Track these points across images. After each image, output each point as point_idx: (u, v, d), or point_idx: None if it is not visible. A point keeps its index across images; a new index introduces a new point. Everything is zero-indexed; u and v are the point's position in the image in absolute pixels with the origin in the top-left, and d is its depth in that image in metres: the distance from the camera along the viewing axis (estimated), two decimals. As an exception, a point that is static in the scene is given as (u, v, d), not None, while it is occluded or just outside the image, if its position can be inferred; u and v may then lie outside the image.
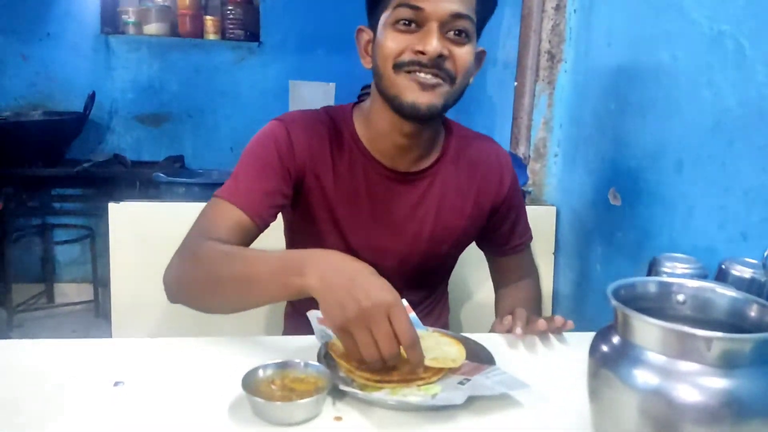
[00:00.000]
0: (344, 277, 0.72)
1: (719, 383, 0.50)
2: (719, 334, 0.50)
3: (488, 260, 1.23)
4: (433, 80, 0.91)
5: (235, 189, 0.96)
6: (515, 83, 1.72)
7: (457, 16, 0.89)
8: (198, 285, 0.88)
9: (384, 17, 0.92)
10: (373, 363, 0.71)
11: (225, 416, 0.69)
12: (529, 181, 1.68)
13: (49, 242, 3.13)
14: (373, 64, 0.96)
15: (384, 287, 0.71)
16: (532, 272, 1.24)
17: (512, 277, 1.21)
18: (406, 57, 0.90)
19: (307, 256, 0.76)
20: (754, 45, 0.94)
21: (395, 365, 0.75)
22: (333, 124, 1.04)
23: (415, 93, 0.91)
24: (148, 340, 0.89)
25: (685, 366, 0.51)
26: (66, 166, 2.88)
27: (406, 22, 0.90)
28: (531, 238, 1.21)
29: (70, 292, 3.17)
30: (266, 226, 0.98)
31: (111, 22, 3.15)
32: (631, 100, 1.28)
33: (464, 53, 0.92)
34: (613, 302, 0.56)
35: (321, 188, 1.02)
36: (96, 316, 3.05)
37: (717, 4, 1.02)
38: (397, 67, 0.91)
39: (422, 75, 0.90)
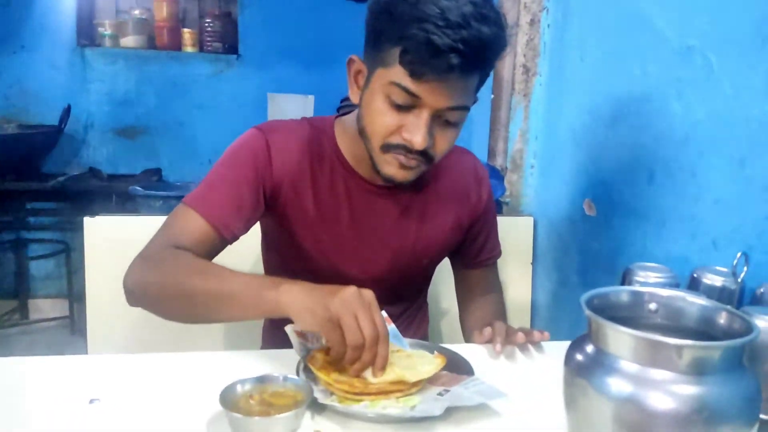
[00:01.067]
0: (318, 291, 0.76)
1: (690, 390, 0.51)
2: (689, 342, 0.51)
3: (455, 273, 1.23)
4: (413, 163, 0.91)
5: (205, 199, 0.95)
6: (492, 96, 1.74)
7: (454, 108, 0.87)
8: (164, 294, 0.87)
9: (380, 74, 0.88)
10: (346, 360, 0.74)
11: (203, 432, 0.69)
12: (507, 192, 1.70)
13: (23, 257, 3.07)
14: (359, 114, 0.95)
15: (354, 291, 0.75)
16: (497, 288, 1.24)
17: (478, 291, 1.21)
18: (394, 140, 0.89)
19: (283, 279, 0.79)
20: (721, 59, 0.97)
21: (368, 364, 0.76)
22: (314, 135, 1.02)
23: (393, 169, 0.92)
24: (124, 357, 0.88)
25: (657, 374, 0.52)
26: (40, 180, 2.84)
27: (401, 101, 0.87)
28: (500, 253, 1.22)
29: (45, 307, 3.11)
30: (235, 239, 0.97)
31: (87, 35, 3.12)
32: (603, 112, 1.31)
33: (450, 137, 0.91)
34: (587, 312, 0.57)
35: (299, 201, 1.01)
36: (71, 332, 2.99)
37: (685, 20, 1.05)
38: (385, 147, 0.91)
39: (405, 158, 0.90)
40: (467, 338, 1.18)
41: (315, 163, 1.01)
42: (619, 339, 0.54)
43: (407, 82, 0.84)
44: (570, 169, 1.47)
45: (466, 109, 0.90)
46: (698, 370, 0.51)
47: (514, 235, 1.58)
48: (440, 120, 0.89)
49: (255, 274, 0.83)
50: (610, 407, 0.54)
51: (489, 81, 1.80)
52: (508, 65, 1.66)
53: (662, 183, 1.11)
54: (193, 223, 0.93)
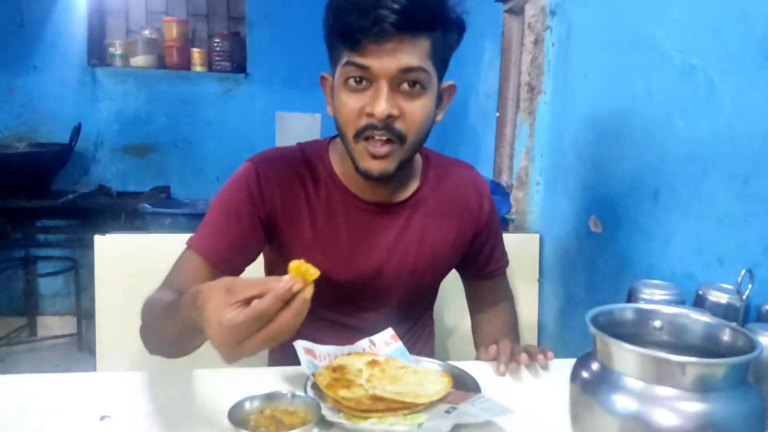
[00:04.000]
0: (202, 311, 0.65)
1: (695, 407, 0.52)
2: (693, 359, 0.51)
3: (465, 284, 1.23)
4: (384, 149, 0.91)
5: (202, 238, 0.96)
6: (497, 114, 1.76)
7: (407, 70, 0.87)
8: (150, 334, 0.90)
9: (338, 71, 0.92)
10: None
11: (212, 449, 0.69)
12: (513, 209, 1.71)
13: (32, 274, 3.09)
14: (335, 118, 0.96)
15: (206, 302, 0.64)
16: (508, 296, 1.25)
17: (488, 301, 1.22)
18: (362, 122, 0.90)
19: (196, 291, 0.69)
20: (723, 77, 0.98)
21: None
22: (308, 161, 1.04)
23: (367, 161, 0.93)
24: (133, 374, 0.89)
25: (662, 390, 0.53)
26: (51, 197, 2.88)
27: (357, 79, 0.89)
28: (507, 263, 1.22)
29: (53, 325, 3.13)
30: (239, 272, 0.98)
31: (98, 55, 3.18)
32: (608, 130, 1.32)
33: (417, 108, 0.91)
34: (592, 329, 0.58)
35: (296, 228, 1.01)
36: (79, 349, 3.00)
37: (687, 38, 1.07)
38: (356, 135, 0.92)
39: (374, 145, 0.91)
40: (477, 347, 1.18)
41: (309, 187, 1.02)
42: (624, 356, 0.55)
43: (353, 57, 0.88)
44: (575, 186, 1.48)
45: (422, 71, 0.89)
46: (703, 387, 0.52)
47: (521, 252, 1.58)
48: (400, 90, 0.89)
49: (188, 292, 0.72)
50: (616, 424, 0.54)
51: (494, 99, 1.82)
52: (512, 84, 1.68)
53: (667, 200, 1.11)
54: (193, 264, 0.95)
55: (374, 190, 1.03)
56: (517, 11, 1.68)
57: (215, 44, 3.24)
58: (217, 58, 3.24)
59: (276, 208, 1.00)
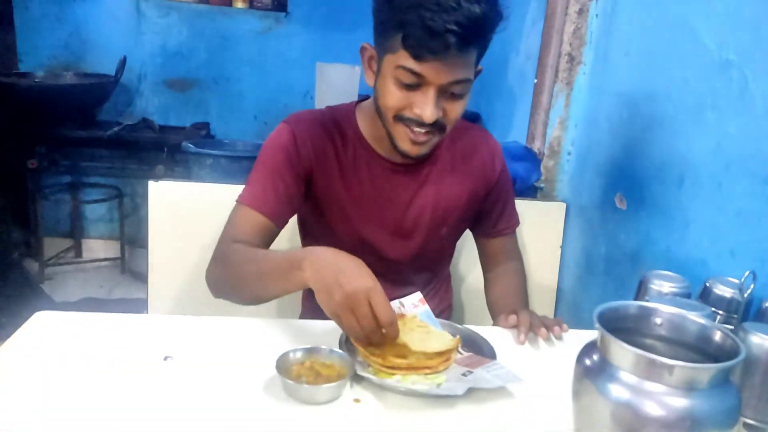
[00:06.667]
0: (333, 269, 0.83)
1: (679, 402, 0.60)
2: (680, 363, 0.59)
3: (477, 243, 1.34)
4: (425, 137, 1.00)
5: (253, 195, 1.08)
6: (535, 80, 1.78)
7: (457, 82, 0.95)
8: (229, 283, 1.02)
9: (388, 59, 0.97)
10: (359, 340, 0.84)
11: (260, 393, 0.81)
12: (542, 177, 1.76)
13: (78, 200, 3.27)
14: (374, 96, 1.04)
15: (365, 275, 0.82)
16: (517, 256, 1.34)
17: (499, 259, 1.32)
18: (406, 113, 0.98)
19: (304, 254, 0.87)
20: (756, 78, 1.01)
21: (382, 344, 0.85)
22: (337, 123, 1.14)
23: (407, 144, 1.02)
24: (191, 318, 1.00)
25: (651, 386, 0.61)
26: (97, 128, 2.98)
27: (409, 81, 0.95)
28: (518, 223, 1.32)
29: (98, 248, 3.33)
30: (285, 223, 1.11)
31: (143, -13, 3.20)
32: (642, 111, 1.35)
33: (458, 107, 1.00)
34: (596, 325, 0.66)
35: (329, 184, 1.13)
36: (122, 272, 3.21)
37: (726, 34, 1.09)
38: (397, 118, 1.00)
39: (416, 134, 1.00)
40: (490, 306, 1.29)
41: (339, 147, 1.12)
42: (621, 353, 0.63)
43: (411, 63, 0.93)
44: (605, 162, 1.52)
45: (469, 81, 0.98)
46: (687, 386, 0.60)
47: (547, 219, 1.65)
48: (446, 94, 0.97)
49: (287, 252, 0.92)
50: (609, 408, 0.63)
51: (533, 62, 1.84)
52: (553, 52, 1.70)
53: (690, 188, 1.16)
54: (247, 218, 1.06)
55: (395, 152, 1.10)
56: (565, -23, 1.68)
57: (257, -20, 3.23)
58: (259, -5, 3.24)
59: (311, 164, 1.11)
